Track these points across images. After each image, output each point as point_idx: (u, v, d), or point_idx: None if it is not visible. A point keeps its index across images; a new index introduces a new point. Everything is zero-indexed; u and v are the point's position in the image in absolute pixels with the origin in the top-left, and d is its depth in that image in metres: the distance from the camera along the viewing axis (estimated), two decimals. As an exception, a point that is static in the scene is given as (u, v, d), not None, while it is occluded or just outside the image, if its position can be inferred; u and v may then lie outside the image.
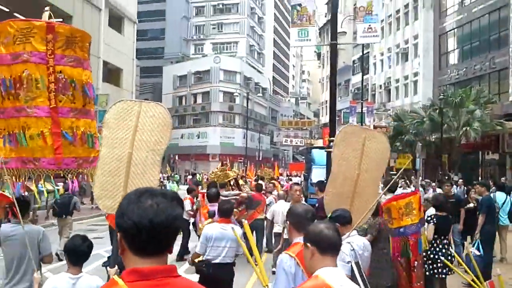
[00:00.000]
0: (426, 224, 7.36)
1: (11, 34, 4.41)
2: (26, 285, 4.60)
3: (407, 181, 18.38)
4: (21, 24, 4.40)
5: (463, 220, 10.39)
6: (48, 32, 4.42)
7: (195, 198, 11.46)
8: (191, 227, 11.47)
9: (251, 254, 3.09)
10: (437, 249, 6.80)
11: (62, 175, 4.86)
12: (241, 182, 13.42)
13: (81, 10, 25.86)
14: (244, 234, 4.52)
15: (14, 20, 4.57)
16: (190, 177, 29.94)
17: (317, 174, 16.59)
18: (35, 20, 4.47)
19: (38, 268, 4.61)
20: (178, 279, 1.70)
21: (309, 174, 22.21)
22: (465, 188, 16.89)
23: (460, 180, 18.13)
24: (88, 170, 4.81)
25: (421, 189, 15.87)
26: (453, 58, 32.74)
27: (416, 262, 5.56)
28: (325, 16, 56.06)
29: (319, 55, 67.46)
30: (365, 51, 38.78)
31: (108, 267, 4.61)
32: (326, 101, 55.53)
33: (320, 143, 42.64)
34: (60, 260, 9.40)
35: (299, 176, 30.29)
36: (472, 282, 3.85)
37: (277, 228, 9.37)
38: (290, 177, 25.51)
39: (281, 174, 27.62)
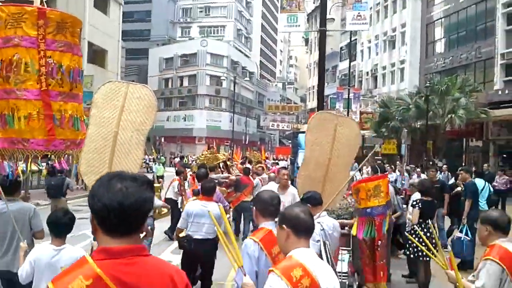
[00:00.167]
0: (411, 208, 7.52)
1: (2, 19, 4.49)
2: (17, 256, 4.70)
3: (392, 166, 18.62)
4: (13, 9, 4.46)
5: (447, 205, 10.61)
6: (40, 17, 4.49)
7: (183, 180, 11.51)
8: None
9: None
10: (422, 232, 6.94)
11: (48, 156, 4.95)
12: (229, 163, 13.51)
13: (67, -10, 25.39)
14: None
15: (5, 4, 4.63)
16: (177, 160, 29.88)
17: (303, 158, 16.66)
18: (27, 5, 4.53)
19: (31, 243, 4.77)
20: (147, 258, 1.75)
21: (295, 158, 22.24)
22: (449, 174, 17.18)
23: (444, 166, 18.41)
24: (74, 151, 4.93)
25: (406, 174, 16.06)
26: (440, 47, 32.97)
27: (380, 242, 5.74)
28: (314, 3, 55.73)
29: (307, 41, 67.26)
30: (352, 38, 38.79)
31: (93, 241, 4.76)
32: (313, 86, 55.66)
33: (306, 128, 42.69)
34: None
35: (285, 160, 30.40)
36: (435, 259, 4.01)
37: None
38: (276, 161, 25.56)
39: (267, 158, 27.66)
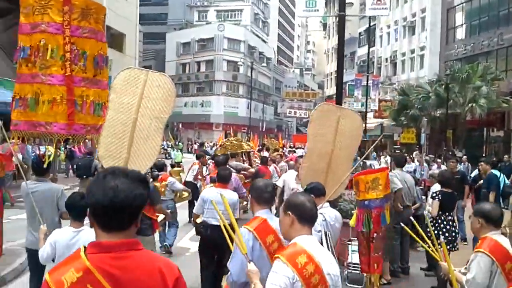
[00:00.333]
0: (431, 200, 7.40)
1: (30, 5, 4.73)
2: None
3: (410, 156, 18.37)
4: None
5: (467, 197, 10.44)
6: (65, 3, 4.71)
7: (202, 165, 11.51)
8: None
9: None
10: (442, 225, 6.83)
11: (68, 140, 5.24)
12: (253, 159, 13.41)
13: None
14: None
15: None
16: (196, 146, 29.98)
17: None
18: None
19: (58, 223, 5.01)
20: (140, 252, 1.83)
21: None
22: (469, 164, 16.90)
23: (464, 157, 18.12)
24: (95, 136, 5.14)
25: (425, 164, 15.81)
26: (461, 33, 32.26)
27: (375, 234, 5.81)
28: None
29: (324, 26, 66.54)
30: (371, 23, 38.19)
31: None
32: (331, 72, 55.17)
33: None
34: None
35: (303, 148, 30.29)
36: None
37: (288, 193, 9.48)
38: (294, 149, 25.41)
39: (284, 146, 27.53)
